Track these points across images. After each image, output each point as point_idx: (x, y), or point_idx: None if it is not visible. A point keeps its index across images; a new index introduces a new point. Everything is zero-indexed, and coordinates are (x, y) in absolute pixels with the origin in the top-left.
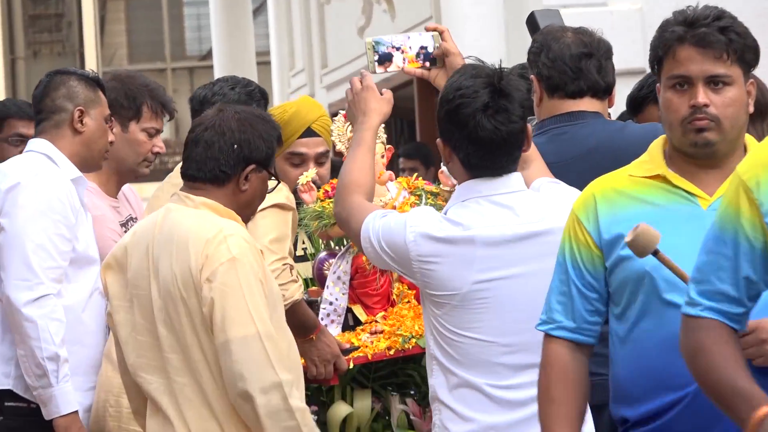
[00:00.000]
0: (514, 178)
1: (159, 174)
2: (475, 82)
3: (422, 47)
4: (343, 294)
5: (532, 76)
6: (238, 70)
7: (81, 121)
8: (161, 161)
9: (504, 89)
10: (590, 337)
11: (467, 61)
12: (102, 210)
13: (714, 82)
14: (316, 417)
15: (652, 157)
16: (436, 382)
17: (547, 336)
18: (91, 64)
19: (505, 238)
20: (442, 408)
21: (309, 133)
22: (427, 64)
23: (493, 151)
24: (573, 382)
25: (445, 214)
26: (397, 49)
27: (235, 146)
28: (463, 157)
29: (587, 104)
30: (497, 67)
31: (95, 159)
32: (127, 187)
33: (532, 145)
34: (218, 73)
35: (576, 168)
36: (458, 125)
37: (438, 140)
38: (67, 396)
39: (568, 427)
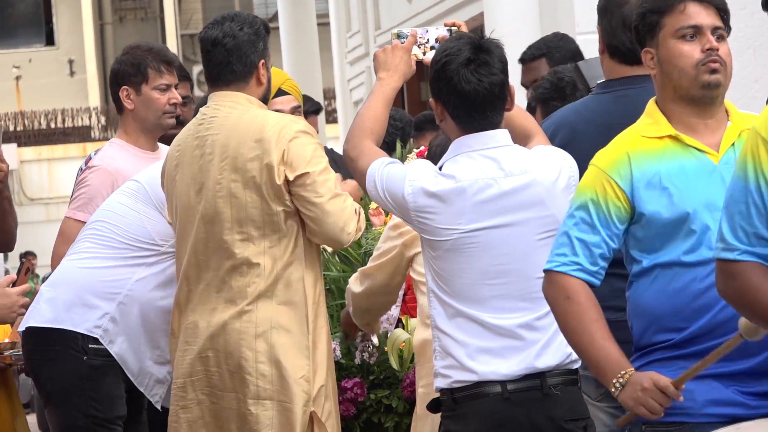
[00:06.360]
0: (500, 134)
1: None
2: (458, 43)
3: (437, 39)
4: (396, 306)
5: (597, 27)
6: (301, 31)
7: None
8: None
9: (484, 46)
10: None
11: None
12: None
13: (718, 35)
14: (377, 343)
15: (656, 119)
16: (435, 312)
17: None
18: (170, 28)
19: (492, 190)
20: (441, 335)
21: (279, 93)
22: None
23: (478, 104)
24: None
25: (440, 168)
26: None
27: None
28: (453, 112)
29: (643, 69)
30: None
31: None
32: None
33: (533, 119)
34: (283, 33)
35: None
36: (445, 81)
37: (431, 100)
38: None
39: None
